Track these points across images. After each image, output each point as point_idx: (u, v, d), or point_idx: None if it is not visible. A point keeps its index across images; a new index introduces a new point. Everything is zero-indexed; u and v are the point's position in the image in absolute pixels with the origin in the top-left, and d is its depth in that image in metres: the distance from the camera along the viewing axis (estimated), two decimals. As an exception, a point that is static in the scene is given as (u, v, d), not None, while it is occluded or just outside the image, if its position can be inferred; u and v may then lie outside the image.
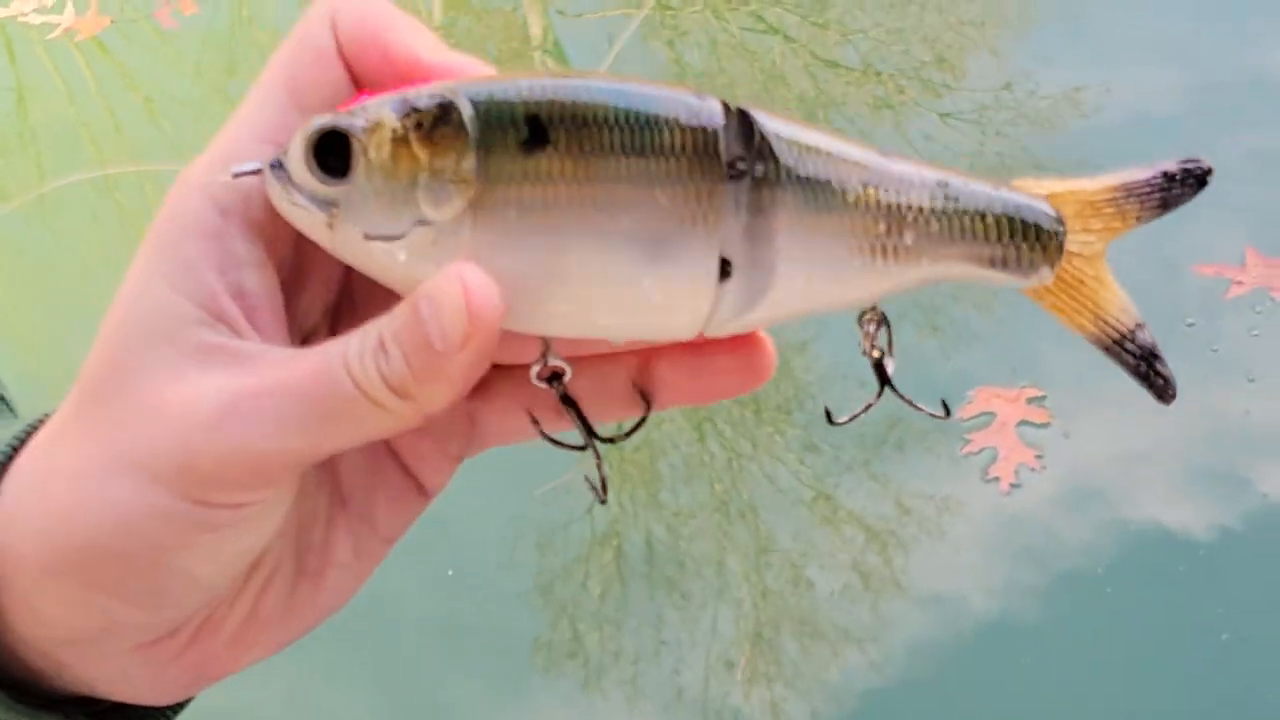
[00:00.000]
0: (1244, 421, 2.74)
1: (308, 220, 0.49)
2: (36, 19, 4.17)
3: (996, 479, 2.64)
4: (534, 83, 0.49)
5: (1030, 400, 2.77)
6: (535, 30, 4.18)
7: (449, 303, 0.46)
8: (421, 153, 0.48)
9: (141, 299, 0.48)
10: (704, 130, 0.50)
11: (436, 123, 0.48)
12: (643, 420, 0.54)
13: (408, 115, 0.48)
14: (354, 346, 0.48)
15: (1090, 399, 2.78)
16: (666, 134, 0.49)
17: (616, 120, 0.49)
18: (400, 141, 0.48)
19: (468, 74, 0.50)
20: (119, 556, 0.48)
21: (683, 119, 0.49)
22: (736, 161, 0.50)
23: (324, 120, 0.48)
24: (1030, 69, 3.65)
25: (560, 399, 0.53)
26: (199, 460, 0.47)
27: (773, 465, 2.86)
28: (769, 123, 0.50)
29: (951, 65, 3.71)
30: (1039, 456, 2.67)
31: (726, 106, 0.50)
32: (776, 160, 0.50)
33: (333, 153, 0.48)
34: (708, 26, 4.01)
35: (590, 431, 0.54)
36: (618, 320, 0.51)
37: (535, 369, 0.52)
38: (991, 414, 2.75)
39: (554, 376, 0.52)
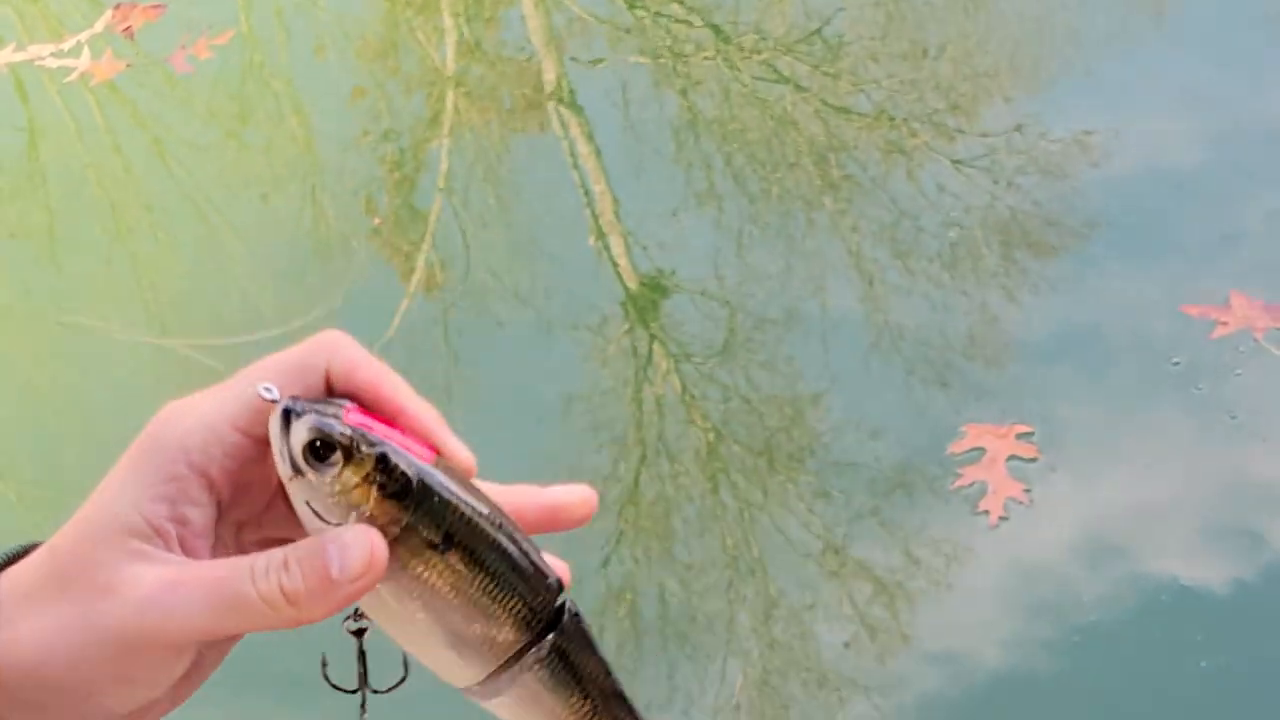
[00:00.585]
0: (1224, 455, 2.93)
1: (279, 462, 0.68)
2: (54, 63, 4.34)
3: (986, 512, 2.83)
4: (470, 504, 0.68)
5: (1019, 436, 2.96)
6: (550, 77, 4.33)
7: (358, 549, 0.66)
8: (371, 499, 0.67)
9: (108, 506, 0.68)
10: (532, 604, 0.70)
11: (393, 495, 0.67)
12: (402, 680, 0.76)
13: (379, 472, 0.67)
14: (261, 562, 0.67)
15: (1075, 434, 3.02)
16: (513, 595, 0.69)
17: (491, 567, 0.69)
18: (364, 481, 0.67)
19: (429, 422, 0.70)
20: (57, 690, 0.68)
21: (527, 592, 0.69)
22: (541, 635, 0.70)
23: (332, 430, 0.67)
24: (1041, 113, 3.83)
25: (358, 653, 0.76)
26: (127, 632, 0.66)
27: (783, 516, 3.01)
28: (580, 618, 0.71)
29: (965, 111, 3.89)
30: (1027, 490, 2.85)
31: (563, 590, 0.70)
32: (565, 648, 0.71)
33: (321, 441, 0.67)
34: (720, 75, 4.18)
35: (364, 682, 0.77)
36: (423, 658, 0.71)
37: (346, 622, 0.74)
38: (982, 449, 2.93)
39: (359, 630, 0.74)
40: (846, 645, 2.76)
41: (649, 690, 2.72)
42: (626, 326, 3.47)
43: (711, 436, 3.16)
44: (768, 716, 2.67)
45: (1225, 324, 3.08)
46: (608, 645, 2.75)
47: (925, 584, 2.82)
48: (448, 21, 4.61)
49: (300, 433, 0.66)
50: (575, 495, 0.73)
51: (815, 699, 2.70)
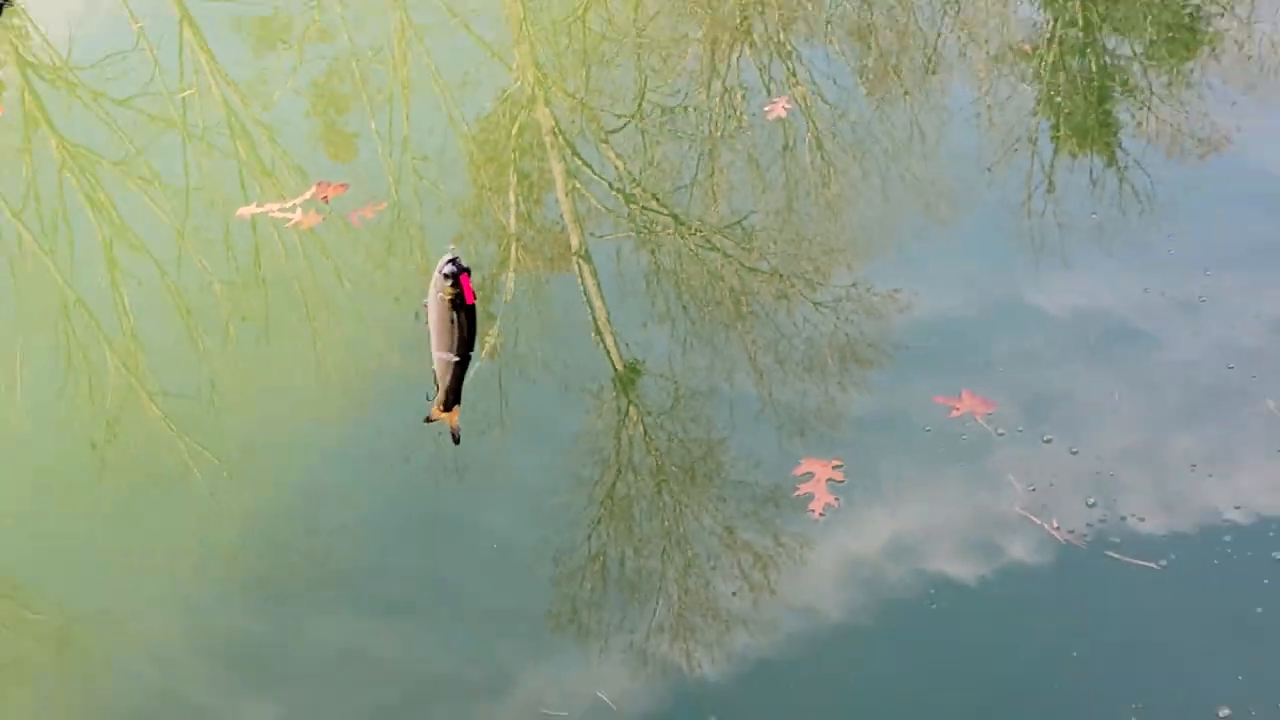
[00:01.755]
0: (956, 491, 3.89)
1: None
2: (278, 215, 5.64)
3: (812, 511, 3.91)
4: None
5: (835, 466, 3.99)
6: (575, 242, 5.34)
7: None
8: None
9: None
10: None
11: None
12: None
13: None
14: None
15: (866, 467, 4.03)
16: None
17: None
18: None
19: None
20: None
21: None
22: None
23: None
24: (868, 276, 4.88)
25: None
26: None
27: (698, 513, 4.03)
28: None
29: (823, 273, 5.10)
30: (837, 499, 3.92)
31: None
32: None
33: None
34: (676, 244, 5.16)
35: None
36: None
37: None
38: (811, 473, 4.00)
39: None
40: (734, 594, 3.69)
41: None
42: (615, 392, 4.51)
43: (656, 463, 4.23)
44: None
45: (957, 409, 4.13)
46: (571, 573, 3.85)
47: (777, 550, 3.75)
48: (511, 198, 5.76)
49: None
50: None
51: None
